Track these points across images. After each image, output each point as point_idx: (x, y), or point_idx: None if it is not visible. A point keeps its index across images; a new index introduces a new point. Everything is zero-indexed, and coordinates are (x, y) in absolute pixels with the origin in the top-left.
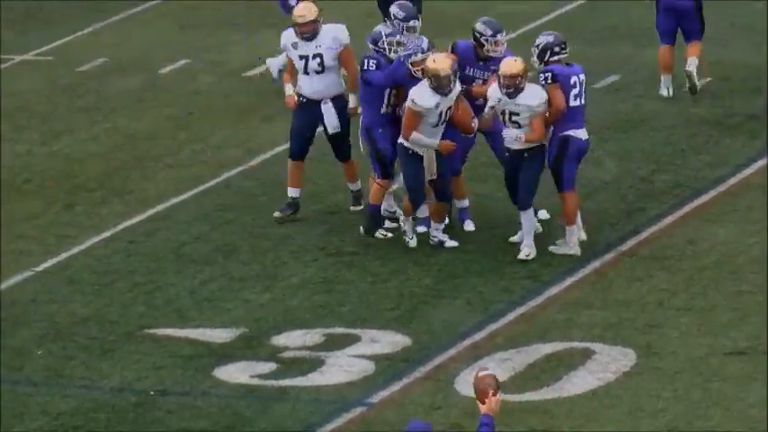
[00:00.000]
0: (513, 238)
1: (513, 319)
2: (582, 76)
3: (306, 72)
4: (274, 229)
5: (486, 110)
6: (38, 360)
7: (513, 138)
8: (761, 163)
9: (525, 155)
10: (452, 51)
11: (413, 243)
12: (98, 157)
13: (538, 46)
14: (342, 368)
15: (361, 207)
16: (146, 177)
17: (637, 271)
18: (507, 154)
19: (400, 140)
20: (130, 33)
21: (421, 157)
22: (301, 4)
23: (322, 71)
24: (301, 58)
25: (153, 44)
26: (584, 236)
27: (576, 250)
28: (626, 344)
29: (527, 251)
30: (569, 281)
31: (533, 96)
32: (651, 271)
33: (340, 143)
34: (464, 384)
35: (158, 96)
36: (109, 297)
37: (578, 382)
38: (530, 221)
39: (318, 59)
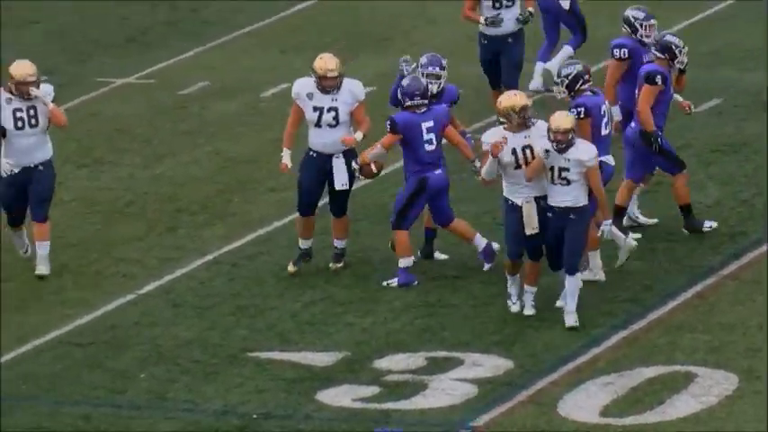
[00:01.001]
0: (559, 303)
1: (615, 342)
2: (608, 104)
3: (318, 125)
4: (376, 252)
5: (540, 155)
6: (141, 383)
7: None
8: None
9: (572, 215)
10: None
11: (515, 308)
12: (200, 181)
13: (567, 76)
14: (444, 391)
15: (341, 265)
16: (248, 200)
17: (739, 295)
18: (550, 214)
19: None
20: (232, 57)
21: (519, 209)
22: (329, 58)
23: (336, 125)
24: (315, 109)
25: (254, 68)
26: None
27: (601, 275)
28: (728, 368)
29: (574, 319)
30: (672, 304)
31: (584, 151)
32: (753, 295)
33: (342, 199)
34: (567, 408)
35: (260, 120)
36: (211, 320)
37: (681, 406)
38: (576, 285)
39: (334, 113)
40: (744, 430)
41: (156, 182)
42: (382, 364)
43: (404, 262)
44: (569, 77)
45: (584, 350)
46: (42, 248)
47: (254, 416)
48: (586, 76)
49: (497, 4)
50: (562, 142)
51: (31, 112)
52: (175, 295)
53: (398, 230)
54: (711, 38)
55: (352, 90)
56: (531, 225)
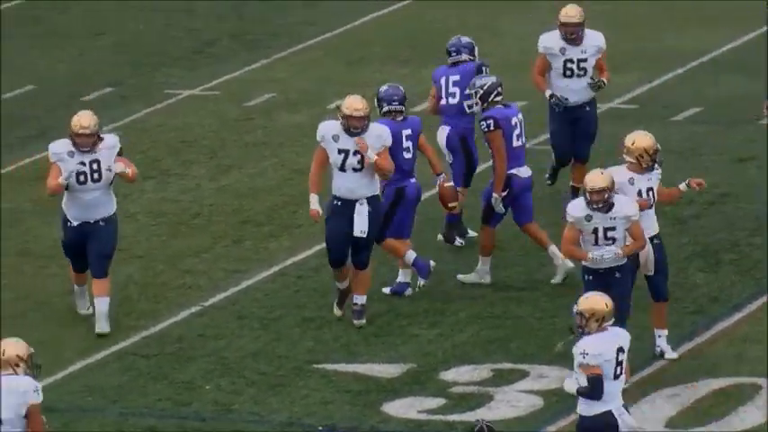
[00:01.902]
0: None
1: (681, 354)
2: (520, 116)
3: (342, 168)
4: (441, 264)
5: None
6: (206, 395)
7: (611, 256)
8: None
9: (617, 274)
10: None
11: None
12: (266, 192)
13: (482, 87)
14: (510, 403)
15: (365, 321)
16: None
17: None
18: (590, 277)
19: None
20: (298, 69)
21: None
22: (357, 99)
23: (360, 169)
24: (340, 152)
25: (321, 80)
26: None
27: (487, 279)
28: None
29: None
30: (737, 316)
31: (627, 205)
32: None
33: (363, 248)
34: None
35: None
36: (277, 332)
37: (747, 418)
38: None
39: (359, 156)
40: None
41: (222, 193)
42: (448, 375)
43: (408, 256)
44: (483, 88)
45: (649, 362)
46: (102, 304)
47: (320, 428)
48: (500, 89)
49: (568, 72)
50: (600, 202)
51: (94, 166)
52: (241, 307)
53: (383, 242)
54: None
55: (380, 134)
56: (649, 267)
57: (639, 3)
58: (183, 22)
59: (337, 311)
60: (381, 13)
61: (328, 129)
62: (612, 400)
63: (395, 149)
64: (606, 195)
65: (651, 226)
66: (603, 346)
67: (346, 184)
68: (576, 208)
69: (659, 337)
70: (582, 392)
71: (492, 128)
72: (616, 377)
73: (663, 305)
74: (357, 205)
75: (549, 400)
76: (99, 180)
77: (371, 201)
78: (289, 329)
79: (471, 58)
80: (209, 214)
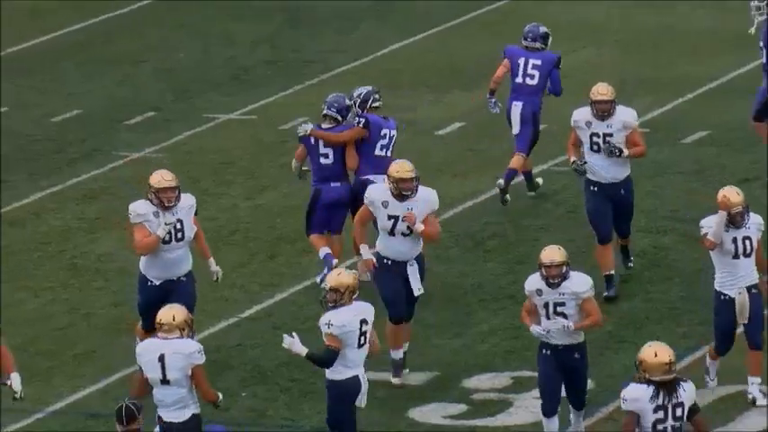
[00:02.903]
0: None
1: (689, 363)
2: (394, 132)
3: (392, 233)
4: (465, 278)
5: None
6: (243, 401)
7: (562, 327)
8: None
9: (576, 354)
10: None
11: (712, 384)
12: (298, 210)
13: (359, 96)
14: (528, 409)
15: (402, 377)
16: (347, 229)
17: None
18: (547, 351)
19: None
20: (330, 94)
21: (733, 302)
22: (406, 163)
23: (409, 234)
24: (390, 218)
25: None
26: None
27: (367, 277)
28: None
29: None
30: (741, 328)
31: (579, 282)
32: None
33: (413, 303)
34: None
35: None
36: (309, 342)
37: (750, 423)
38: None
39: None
40: None
41: (258, 212)
42: (470, 383)
43: (322, 251)
44: (361, 97)
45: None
46: None
47: None
48: (376, 95)
49: (594, 147)
50: (556, 277)
51: (178, 225)
52: (276, 318)
53: (308, 237)
54: None
55: (428, 198)
56: (744, 315)
57: (653, 31)
58: (221, 51)
59: (396, 381)
60: (408, 42)
61: (378, 194)
62: (357, 366)
63: (312, 153)
64: (563, 270)
65: (750, 275)
66: (347, 317)
67: (396, 247)
68: (530, 281)
69: (752, 384)
70: (314, 360)
71: (361, 125)
72: (360, 346)
73: (756, 354)
74: (408, 266)
75: (564, 407)
76: (182, 239)
77: (418, 258)
78: (320, 340)
79: (543, 47)
80: (245, 231)
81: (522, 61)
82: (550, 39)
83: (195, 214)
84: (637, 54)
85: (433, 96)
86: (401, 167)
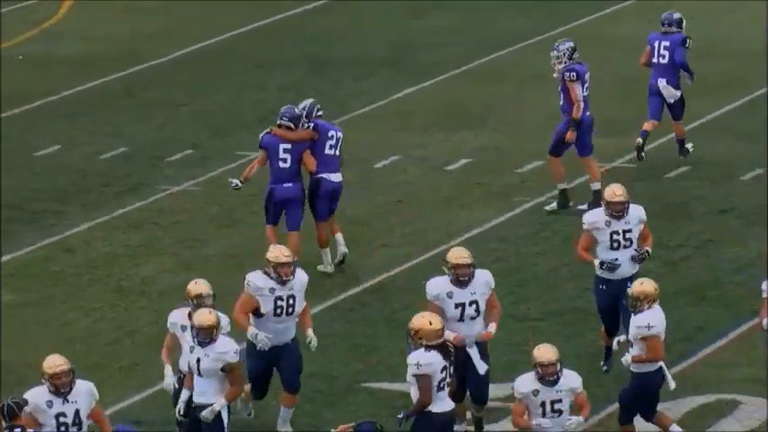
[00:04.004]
0: None
1: (672, 374)
2: (339, 134)
3: (461, 319)
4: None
5: None
6: (272, 410)
7: (574, 425)
8: None
9: None
10: None
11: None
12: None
13: (304, 108)
14: None
15: None
16: (362, 255)
17: None
18: None
19: None
20: (349, 133)
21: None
22: (462, 250)
23: (477, 316)
24: (457, 306)
25: (370, 143)
26: (343, 249)
27: (330, 269)
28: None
29: None
30: (719, 343)
31: (572, 378)
32: None
33: (485, 386)
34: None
35: (372, 187)
36: (331, 356)
37: (727, 429)
38: None
39: (475, 306)
40: None
41: (284, 238)
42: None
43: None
44: (306, 109)
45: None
46: (286, 413)
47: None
48: (317, 106)
49: (615, 245)
50: (552, 375)
51: (290, 301)
52: (300, 335)
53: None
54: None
55: (487, 281)
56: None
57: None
58: (251, 95)
59: None
60: (419, 87)
61: (440, 287)
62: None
63: (271, 158)
64: (557, 368)
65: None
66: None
67: (464, 332)
68: (524, 383)
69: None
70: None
71: (310, 129)
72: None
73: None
74: (468, 349)
75: None
76: (292, 314)
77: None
78: (341, 354)
79: (679, 30)
80: None
81: (656, 44)
82: (684, 22)
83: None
84: (625, 96)
85: (442, 135)
86: (458, 253)
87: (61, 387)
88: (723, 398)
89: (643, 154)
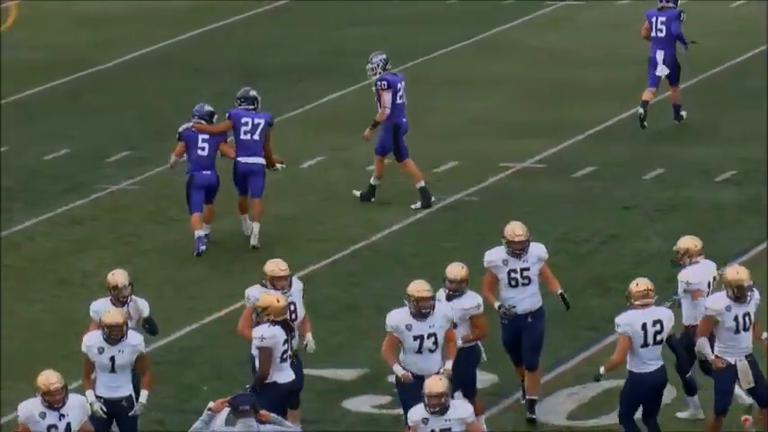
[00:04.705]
0: None
1: (578, 361)
2: (258, 120)
3: (419, 351)
4: (393, 291)
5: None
6: (204, 395)
7: None
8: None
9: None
10: None
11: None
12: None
13: (238, 98)
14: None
15: None
16: (291, 249)
17: (676, 325)
18: None
19: None
20: (280, 136)
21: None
22: (423, 283)
23: (435, 349)
24: (416, 338)
25: (298, 145)
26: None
27: (250, 232)
28: (669, 381)
29: None
30: None
31: (462, 408)
32: None
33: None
34: (541, 414)
35: (300, 185)
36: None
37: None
38: None
39: (434, 338)
40: (674, 430)
41: (217, 235)
42: (394, 378)
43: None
44: (238, 99)
45: (554, 367)
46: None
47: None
48: (242, 100)
49: (513, 282)
50: (436, 406)
51: (292, 307)
52: (232, 325)
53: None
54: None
55: (446, 314)
56: (749, 380)
57: (552, 79)
58: (187, 100)
59: None
60: (345, 92)
61: (399, 319)
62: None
63: (189, 147)
64: (443, 399)
65: (749, 346)
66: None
67: (422, 365)
68: (415, 413)
69: None
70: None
71: (226, 118)
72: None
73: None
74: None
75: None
76: (295, 320)
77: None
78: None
79: (674, 5)
80: (206, 251)
81: (654, 19)
82: None
83: (303, 297)
84: (536, 101)
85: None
86: (419, 287)
87: (55, 403)
88: None
89: (645, 123)
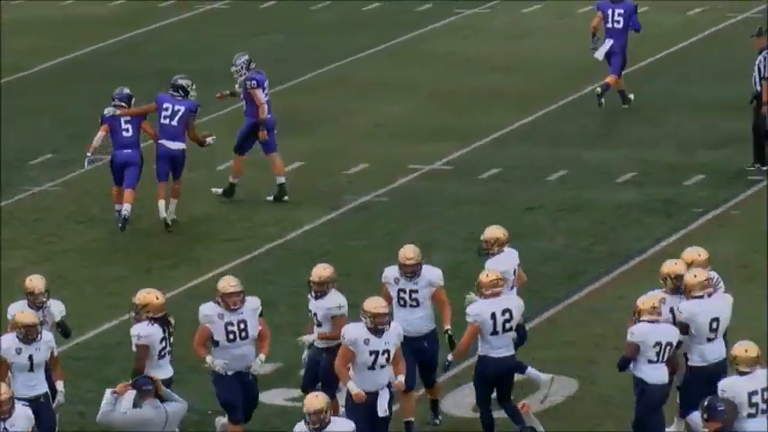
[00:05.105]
0: None
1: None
2: (178, 107)
3: (372, 367)
4: (305, 288)
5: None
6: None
7: None
8: (675, 237)
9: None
10: None
11: None
12: (170, 234)
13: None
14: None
15: None
16: (206, 248)
17: (579, 319)
18: None
19: None
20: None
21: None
22: (378, 299)
23: (386, 365)
24: (371, 353)
25: (213, 147)
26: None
27: (165, 215)
28: (571, 374)
29: None
30: (528, 326)
31: (341, 424)
32: (589, 320)
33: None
34: (447, 406)
35: (216, 186)
36: (179, 339)
37: (534, 404)
38: None
39: (387, 355)
40: (581, 424)
41: (137, 234)
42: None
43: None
44: (126, 97)
45: (458, 362)
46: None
47: (209, 412)
48: (171, 90)
49: (402, 302)
50: (316, 423)
51: (242, 325)
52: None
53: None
54: (560, 123)
55: (399, 333)
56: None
57: (460, 85)
58: (106, 105)
59: None
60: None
61: (358, 333)
62: None
63: (113, 131)
64: (322, 416)
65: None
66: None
67: (374, 380)
68: (297, 428)
69: None
70: None
71: (153, 103)
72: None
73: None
74: (380, 391)
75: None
76: (246, 338)
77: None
78: (186, 338)
79: None
80: (126, 250)
81: (610, 12)
82: None
83: (260, 315)
84: (445, 106)
85: (280, 141)
86: (376, 303)
87: (1, 415)
88: (530, 377)
89: (602, 100)
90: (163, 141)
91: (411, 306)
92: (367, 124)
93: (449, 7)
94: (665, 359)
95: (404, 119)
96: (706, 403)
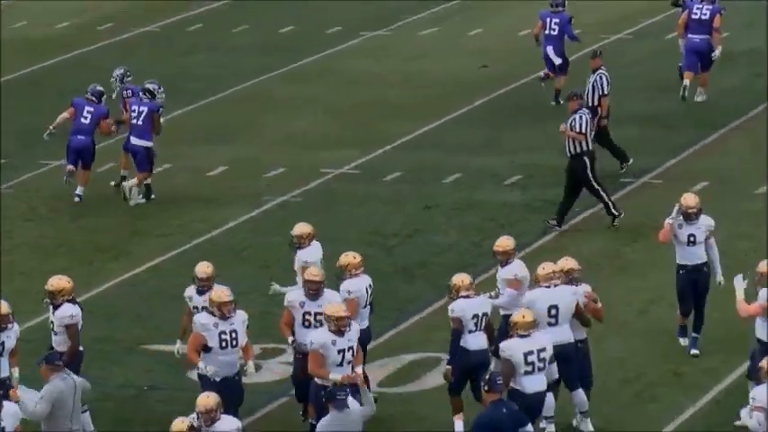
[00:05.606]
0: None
1: (388, 337)
2: (143, 108)
3: (341, 364)
4: (228, 278)
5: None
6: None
7: None
8: (552, 235)
9: None
10: None
11: None
12: (111, 230)
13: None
14: (271, 371)
15: None
16: (142, 243)
17: None
18: None
19: None
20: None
21: None
22: (341, 306)
23: (352, 360)
24: (339, 352)
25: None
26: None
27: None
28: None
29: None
30: (427, 311)
31: (229, 423)
32: None
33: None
34: None
35: (152, 188)
36: (117, 324)
37: (432, 380)
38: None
39: (351, 351)
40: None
41: (81, 231)
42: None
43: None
44: (98, 93)
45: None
46: None
47: (145, 388)
48: (127, 74)
49: (306, 324)
50: (207, 420)
51: (233, 334)
52: (92, 307)
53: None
54: (454, 132)
55: (356, 329)
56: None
57: (365, 99)
58: (54, 117)
59: None
60: (190, 109)
61: (324, 337)
62: None
63: (78, 116)
64: (213, 414)
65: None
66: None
67: (345, 374)
68: (176, 424)
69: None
70: None
71: (128, 96)
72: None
73: None
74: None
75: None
76: (236, 346)
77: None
78: (126, 322)
79: (563, 9)
80: (70, 245)
81: (548, 20)
82: (566, 2)
83: (247, 328)
84: (352, 118)
85: (206, 148)
86: (339, 308)
87: None
88: (429, 356)
89: (543, 84)
90: (131, 137)
91: (315, 327)
92: (280, 134)
93: (355, 30)
94: (482, 328)
95: (315, 129)
96: (487, 377)
